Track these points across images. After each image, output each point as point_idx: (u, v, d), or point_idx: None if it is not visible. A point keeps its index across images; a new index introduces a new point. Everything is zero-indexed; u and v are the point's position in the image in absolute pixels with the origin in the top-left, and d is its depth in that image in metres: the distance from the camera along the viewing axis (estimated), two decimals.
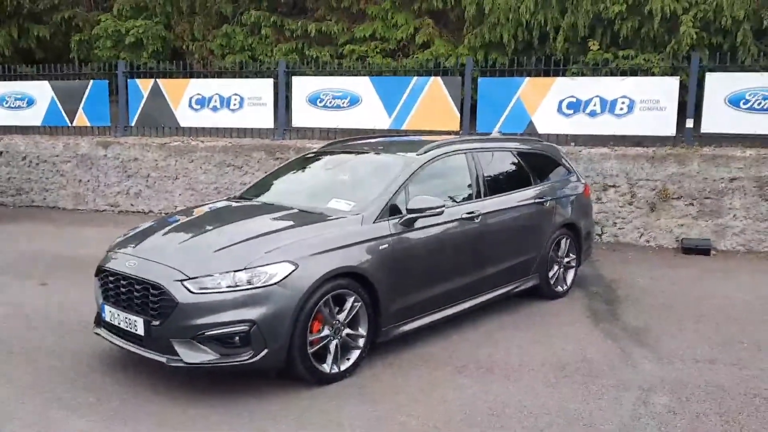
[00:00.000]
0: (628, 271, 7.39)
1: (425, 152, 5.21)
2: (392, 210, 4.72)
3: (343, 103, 9.87)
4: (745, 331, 5.42)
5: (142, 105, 10.84)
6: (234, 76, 10.86)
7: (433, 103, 9.49)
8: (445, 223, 5.02)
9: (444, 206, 4.77)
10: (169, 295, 3.89)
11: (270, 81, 10.25)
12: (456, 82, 9.47)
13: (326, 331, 4.21)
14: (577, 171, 6.94)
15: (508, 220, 5.62)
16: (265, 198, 5.24)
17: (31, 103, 11.48)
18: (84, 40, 15.15)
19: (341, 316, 4.28)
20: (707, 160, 8.29)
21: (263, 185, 5.60)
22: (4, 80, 11.77)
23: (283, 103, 10.15)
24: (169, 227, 4.70)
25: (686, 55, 9.13)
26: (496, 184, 5.69)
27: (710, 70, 8.55)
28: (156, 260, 4.14)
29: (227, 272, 3.92)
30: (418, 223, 4.80)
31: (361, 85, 9.82)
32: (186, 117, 10.65)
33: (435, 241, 4.93)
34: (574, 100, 8.94)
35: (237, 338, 3.87)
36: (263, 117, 10.24)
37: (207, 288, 3.89)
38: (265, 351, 3.92)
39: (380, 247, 4.50)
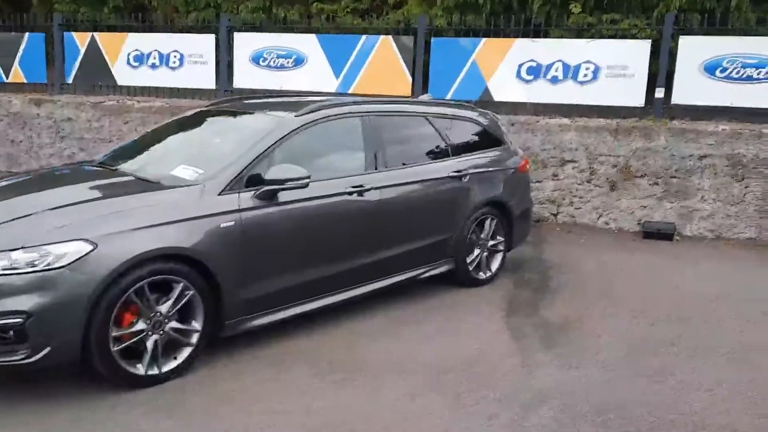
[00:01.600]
0: (575, 256, 6.58)
1: (305, 113, 4.42)
2: (251, 181, 3.95)
3: (287, 63, 9.04)
4: (683, 331, 4.63)
5: (78, 61, 10.06)
6: (176, 31, 10.04)
7: (382, 65, 8.63)
8: (322, 197, 4.25)
9: (308, 177, 3.98)
10: None
11: (212, 37, 9.41)
12: (408, 43, 8.59)
13: (141, 325, 3.48)
14: (512, 142, 6.11)
15: (410, 197, 4.83)
16: (116, 163, 4.47)
17: None
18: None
19: (164, 307, 3.55)
20: (676, 135, 7.40)
21: (128, 148, 4.84)
22: None
23: (225, 61, 9.34)
24: None
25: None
26: (399, 155, 4.88)
27: (683, 33, 7.61)
28: None
29: (3, 251, 3.18)
30: (283, 197, 4.03)
31: (307, 43, 8.96)
32: (124, 74, 9.87)
33: (305, 218, 4.17)
34: (534, 64, 8.04)
35: (11, 332, 3.15)
36: (204, 76, 9.43)
37: None
38: (47, 349, 3.20)
39: (222, 225, 3.74)
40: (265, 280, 3.98)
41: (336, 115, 4.56)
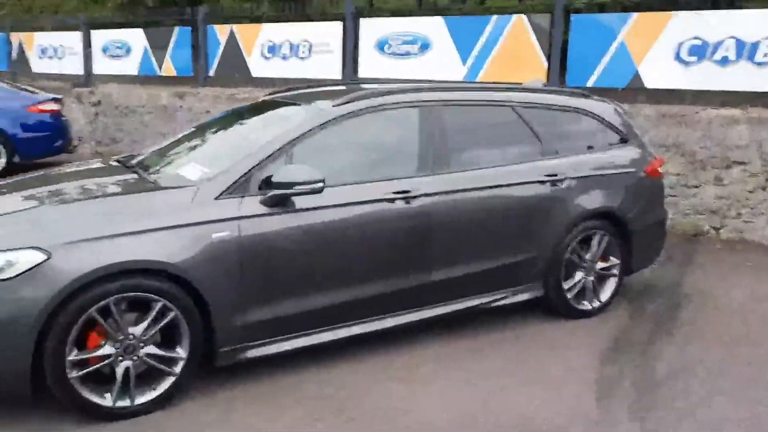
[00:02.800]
0: (730, 284, 5.17)
1: (345, 102, 3.69)
2: (266, 184, 3.31)
3: (412, 50, 8.31)
4: None
5: (219, 54, 10.18)
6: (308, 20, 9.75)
7: (514, 48, 7.59)
8: (351, 204, 3.51)
9: (321, 180, 3.25)
10: None
11: (339, 25, 8.96)
12: (543, 22, 7.45)
13: (109, 349, 2.99)
14: (641, 140, 4.87)
15: (476, 206, 3.91)
16: (147, 159, 4.04)
17: (128, 51, 11.36)
18: None
19: (137, 329, 3.03)
20: None
21: (174, 142, 4.40)
22: (106, 29, 11.79)
23: (351, 49, 8.83)
24: None
25: None
26: (468, 154, 3.98)
27: None
28: None
29: None
30: (300, 204, 3.35)
31: (433, 27, 8.16)
32: (258, 66, 9.79)
33: (326, 230, 3.44)
34: (698, 42, 6.54)
35: None
36: (331, 66, 9.01)
37: None
38: None
39: (214, 235, 3.14)
40: (271, 303, 3.32)
41: (385, 104, 3.78)
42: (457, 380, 3.51)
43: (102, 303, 2.91)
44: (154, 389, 3.12)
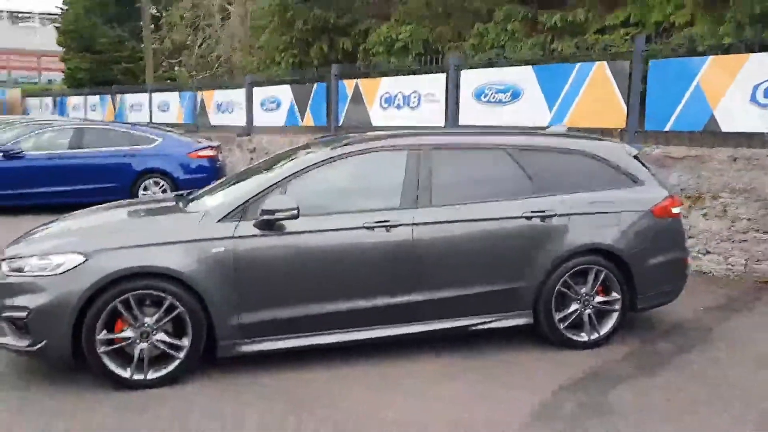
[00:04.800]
0: None
1: (340, 146, 4.45)
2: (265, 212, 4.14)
3: (504, 98, 8.79)
4: None
5: (346, 105, 11.35)
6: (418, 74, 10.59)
7: (596, 94, 7.79)
8: (334, 230, 4.21)
9: (295, 209, 4.00)
10: None
11: (443, 76, 9.70)
12: (623, 68, 7.59)
13: (129, 333, 3.95)
14: (658, 181, 4.98)
15: (458, 237, 4.40)
16: (199, 193, 5.02)
17: (279, 105, 12.99)
18: (368, 49, 16.53)
19: (150, 320, 3.96)
20: None
21: (225, 181, 5.35)
22: (263, 86, 13.57)
23: (453, 99, 9.50)
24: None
25: None
26: (455, 192, 4.49)
27: None
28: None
29: (28, 257, 3.99)
30: (291, 228, 4.12)
31: (523, 76, 8.59)
32: (377, 116, 10.78)
33: (310, 251, 4.17)
34: None
35: (21, 323, 3.91)
36: (436, 114, 9.74)
37: (13, 269, 4.01)
38: (44, 342, 3.87)
39: (213, 250, 4.01)
40: (263, 307, 4.11)
41: (373, 148, 4.49)
42: (416, 394, 4.01)
43: (122, 297, 3.88)
44: (165, 368, 4.01)
